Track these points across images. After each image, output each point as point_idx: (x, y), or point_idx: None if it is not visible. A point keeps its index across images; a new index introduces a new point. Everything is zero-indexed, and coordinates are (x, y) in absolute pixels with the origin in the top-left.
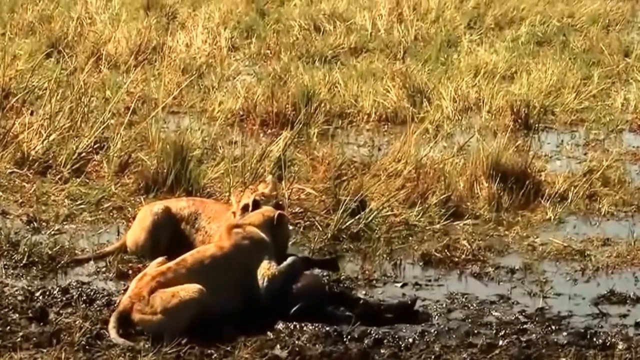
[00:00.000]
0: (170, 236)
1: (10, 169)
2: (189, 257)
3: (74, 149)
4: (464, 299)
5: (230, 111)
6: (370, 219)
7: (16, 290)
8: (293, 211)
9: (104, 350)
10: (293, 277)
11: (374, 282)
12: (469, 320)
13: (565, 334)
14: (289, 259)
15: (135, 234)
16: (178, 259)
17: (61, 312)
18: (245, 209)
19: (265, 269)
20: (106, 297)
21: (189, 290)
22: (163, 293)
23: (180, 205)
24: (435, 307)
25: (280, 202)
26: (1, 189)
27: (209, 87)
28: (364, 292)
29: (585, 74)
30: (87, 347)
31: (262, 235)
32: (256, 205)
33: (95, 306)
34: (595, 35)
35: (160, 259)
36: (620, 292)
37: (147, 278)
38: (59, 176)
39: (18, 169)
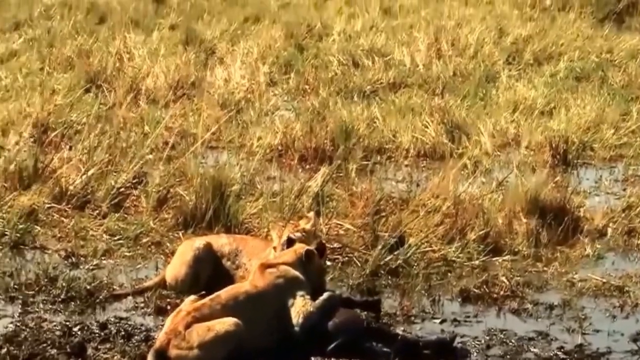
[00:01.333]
0: (210, 272)
1: (49, 203)
2: (223, 293)
3: (113, 183)
4: (502, 335)
5: (268, 146)
6: (408, 254)
7: (54, 326)
8: (331, 246)
9: None
10: (329, 312)
11: (413, 318)
12: (508, 356)
13: None
14: (325, 295)
15: (175, 268)
16: (212, 295)
17: (99, 347)
18: (286, 245)
19: (300, 306)
20: (144, 333)
21: (225, 323)
22: (199, 327)
23: (221, 241)
24: (473, 343)
25: (320, 238)
26: (40, 223)
27: (248, 122)
28: (402, 328)
29: (624, 109)
30: None
31: (296, 272)
32: (290, 242)
33: (133, 341)
34: (634, 71)
35: (193, 297)
36: None
37: (183, 314)
38: (97, 211)
39: (57, 204)
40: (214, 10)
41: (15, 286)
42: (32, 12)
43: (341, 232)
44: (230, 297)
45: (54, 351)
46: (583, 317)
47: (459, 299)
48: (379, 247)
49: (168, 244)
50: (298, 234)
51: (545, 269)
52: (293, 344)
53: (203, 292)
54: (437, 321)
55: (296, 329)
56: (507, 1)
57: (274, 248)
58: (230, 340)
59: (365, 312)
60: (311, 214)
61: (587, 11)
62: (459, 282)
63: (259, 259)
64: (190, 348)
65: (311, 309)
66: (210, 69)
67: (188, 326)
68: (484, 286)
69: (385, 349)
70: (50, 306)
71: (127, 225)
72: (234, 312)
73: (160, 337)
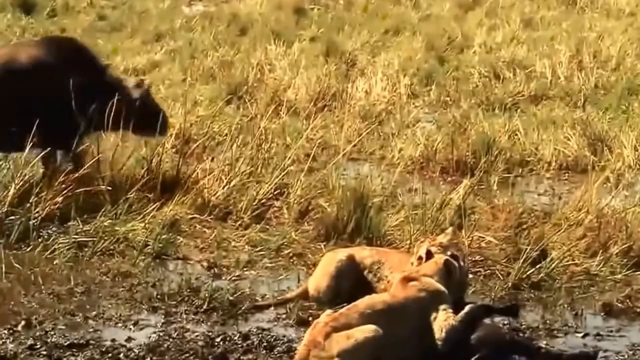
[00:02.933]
0: (352, 284)
1: (191, 214)
2: (361, 303)
3: (254, 195)
4: None
5: (410, 158)
6: (551, 268)
7: (197, 336)
8: (473, 259)
9: None
10: (472, 326)
11: (555, 331)
12: None
13: None
14: (467, 307)
15: (318, 280)
16: (350, 305)
17: (242, 358)
18: (420, 259)
19: (443, 320)
20: (286, 344)
21: (364, 330)
22: (338, 336)
23: (363, 254)
24: (616, 358)
25: (457, 252)
26: (182, 234)
27: (389, 134)
28: (544, 341)
29: None
30: None
31: (438, 285)
32: (430, 255)
33: (276, 352)
34: None
35: (330, 311)
36: None
37: (321, 325)
38: (239, 222)
39: (199, 215)
40: (354, 22)
41: (158, 296)
42: (173, 24)
43: (483, 244)
44: (368, 306)
45: None
46: None
47: (602, 313)
48: (522, 260)
49: (310, 256)
50: (434, 248)
51: None
52: (436, 357)
53: (344, 305)
54: (580, 335)
55: (439, 342)
56: None
57: (412, 263)
58: (370, 347)
59: (506, 323)
60: (449, 229)
61: None
62: (602, 296)
63: (401, 272)
64: (331, 357)
65: (454, 323)
66: (351, 81)
67: (327, 336)
68: (627, 300)
69: None
70: (192, 316)
71: (268, 237)
72: (371, 321)
73: (299, 350)
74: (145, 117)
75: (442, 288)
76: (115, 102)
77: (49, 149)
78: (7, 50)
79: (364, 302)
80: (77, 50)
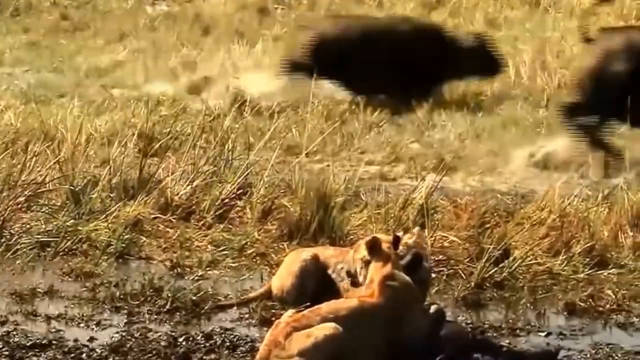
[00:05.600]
0: (316, 283)
1: (154, 214)
2: (324, 305)
3: (218, 195)
4: (608, 349)
5: (372, 158)
6: (514, 267)
7: (160, 336)
8: (436, 259)
9: None
10: (438, 326)
11: (518, 331)
12: None
13: None
14: (433, 308)
15: (282, 279)
16: (312, 308)
17: (204, 358)
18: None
19: (411, 320)
20: (249, 344)
21: (324, 329)
22: (298, 335)
23: (327, 253)
24: (579, 357)
25: (419, 252)
26: (145, 234)
27: (352, 134)
28: (507, 341)
29: None
30: None
31: (407, 287)
32: (396, 243)
33: (239, 352)
34: None
35: (291, 312)
36: None
37: (282, 325)
38: (202, 222)
39: (162, 215)
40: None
41: (121, 296)
42: (137, 24)
43: (446, 244)
44: (330, 310)
45: None
46: None
47: (565, 313)
48: (484, 259)
49: (273, 255)
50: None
51: None
52: (401, 357)
53: (308, 304)
54: (543, 334)
55: (406, 342)
56: (612, 13)
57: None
58: (330, 345)
59: (469, 322)
60: (416, 229)
61: None
62: (565, 295)
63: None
64: (291, 357)
65: (421, 323)
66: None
67: (288, 336)
68: (590, 300)
69: None
70: (155, 316)
71: (232, 236)
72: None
73: (261, 350)
74: None
75: (411, 288)
76: None
77: None
78: None
79: (327, 306)
80: None
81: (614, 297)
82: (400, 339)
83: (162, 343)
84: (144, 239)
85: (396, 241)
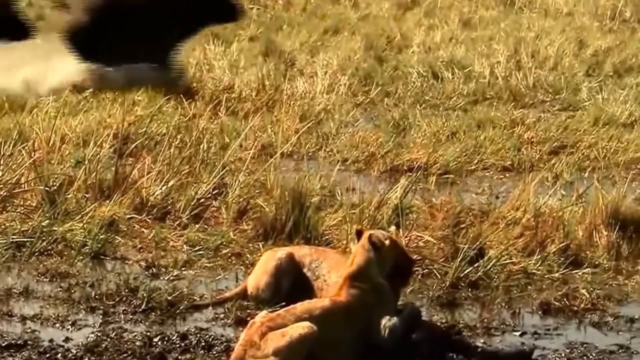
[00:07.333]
0: (291, 282)
1: (130, 214)
2: (299, 305)
3: (193, 195)
4: (583, 349)
5: (348, 158)
6: (488, 267)
7: (135, 336)
8: None
9: None
10: (413, 325)
11: (492, 330)
12: None
13: None
14: (408, 308)
15: (257, 278)
16: (287, 307)
17: (180, 358)
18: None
19: (386, 320)
20: (225, 344)
21: (299, 327)
22: (273, 334)
23: (302, 252)
24: (554, 356)
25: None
26: (120, 234)
27: (327, 134)
28: (482, 340)
29: None
30: None
31: (381, 287)
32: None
33: (214, 352)
34: None
35: (265, 311)
36: None
37: (257, 325)
38: (177, 222)
39: (137, 215)
40: (293, 22)
41: (96, 296)
42: None
43: (421, 244)
44: (304, 309)
45: None
46: None
47: (539, 312)
48: (459, 259)
49: (248, 255)
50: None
51: (626, 281)
52: (376, 357)
53: (283, 303)
54: (517, 334)
55: (381, 342)
56: (587, 13)
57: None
58: (306, 344)
59: (444, 322)
60: (392, 229)
61: None
62: (539, 294)
63: (338, 272)
64: (266, 356)
65: (395, 322)
66: (290, 81)
67: (263, 336)
68: (564, 299)
69: None
70: (131, 316)
71: (207, 237)
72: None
73: (236, 350)
74: None
75: (384, 289)
76: None
77: None
78: None
79: (301, 306)
80: None
81: (588, 296)
82: (372, 338)
83: (138, 343)
84: (120, 239)
85: (358, 235)
